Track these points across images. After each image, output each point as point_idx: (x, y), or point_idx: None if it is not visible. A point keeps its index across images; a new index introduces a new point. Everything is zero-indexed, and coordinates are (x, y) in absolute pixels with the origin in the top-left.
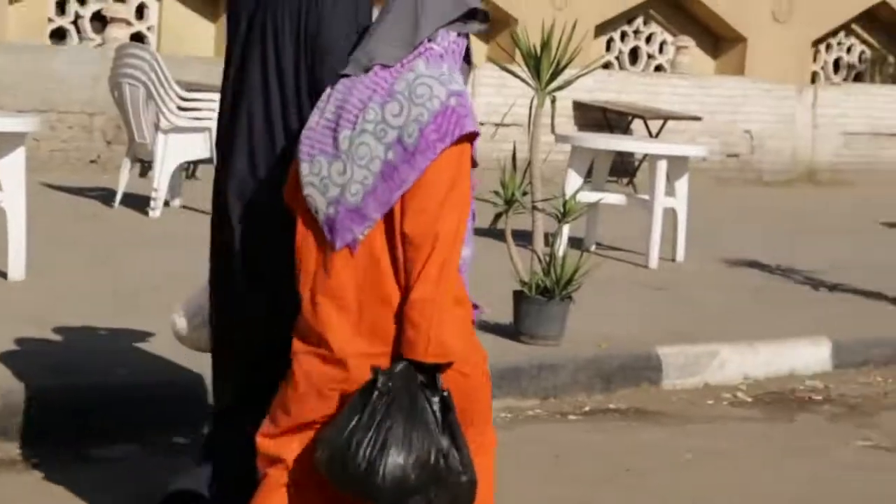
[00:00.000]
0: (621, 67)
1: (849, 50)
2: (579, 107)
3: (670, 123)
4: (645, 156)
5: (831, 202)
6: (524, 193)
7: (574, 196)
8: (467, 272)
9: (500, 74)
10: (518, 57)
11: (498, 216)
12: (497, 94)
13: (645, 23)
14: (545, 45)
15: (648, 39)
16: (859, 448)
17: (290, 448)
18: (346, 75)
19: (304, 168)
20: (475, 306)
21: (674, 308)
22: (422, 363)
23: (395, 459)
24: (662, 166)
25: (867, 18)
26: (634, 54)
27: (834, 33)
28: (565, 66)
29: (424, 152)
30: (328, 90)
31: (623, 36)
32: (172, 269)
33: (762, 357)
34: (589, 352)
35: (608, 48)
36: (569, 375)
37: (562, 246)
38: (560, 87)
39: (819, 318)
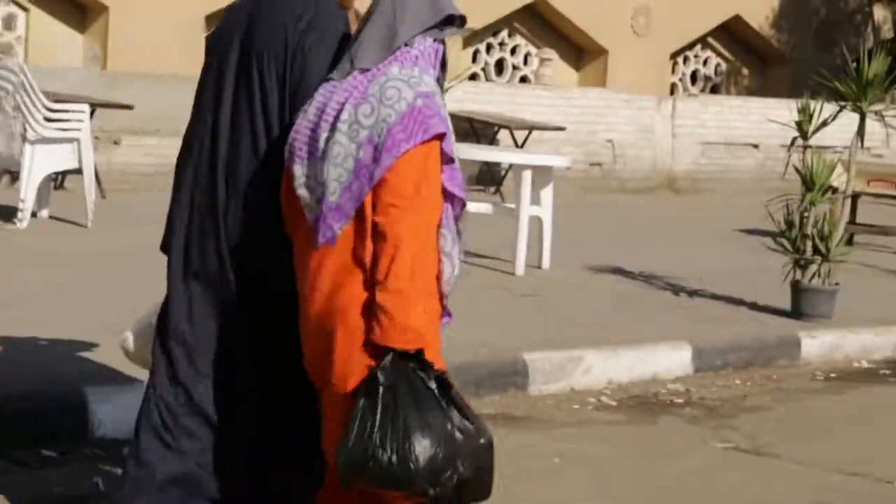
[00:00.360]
0: (487, 79)
1: (705, 62)
2: None
3: (535, 133)
4: (511, 165)
5: (690, 210)
6: None
7: None
8: (454, 271)
9: None
10: None
11: None
12: None
13: (510, 35)
14: None
15: (513, 51)
16: (719, 449)
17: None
18: (331, 79)
19: (297, 170)
20: (448, 314)
21: (540, 314)
22: (405, 352)
23: (423, 442)
24: (528, 176)
25: (722, 32)
26: (500, 66)
27: (691, 46)
28: None
29: (391, 150)
30: (307, 101)
31: (489, 48)
32: (40, 280)
33: (625, 362)
34: (457, 359)
35: (474, 60)
36: None
37: None
38: None
39: (680, 323)
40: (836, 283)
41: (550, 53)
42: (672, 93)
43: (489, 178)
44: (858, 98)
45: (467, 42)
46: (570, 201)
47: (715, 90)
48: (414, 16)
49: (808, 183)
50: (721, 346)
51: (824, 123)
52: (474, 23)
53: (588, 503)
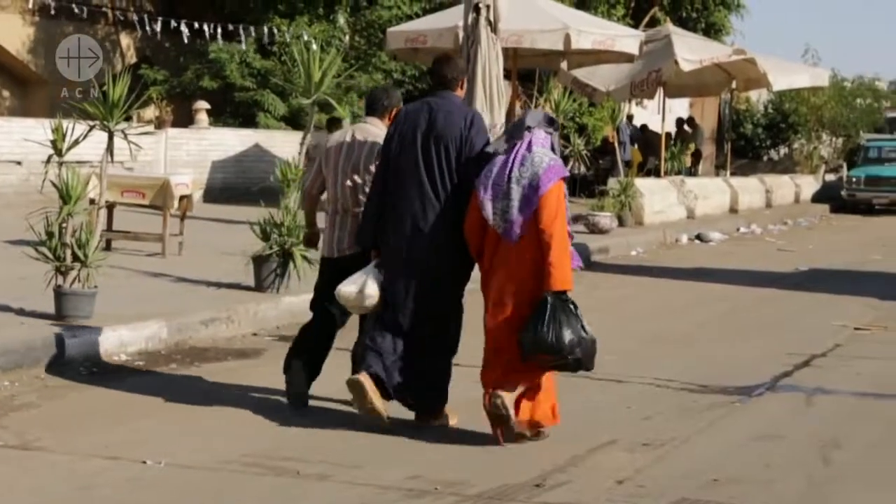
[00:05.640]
0: None
1: None
2: None
3: None
4: None
5: None
6: None
7: None
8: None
9: None
10: None
11: None
12: None
13: None
14: None
15: None
16: None
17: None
18: (493, 155)
19: (486, 205)
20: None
21: None
22: (559, 291)
23: (568, 332)
24: None
25: None
26: None
27: None
28: None
29: (542, 188)
30: (488, 165)
31: None
32: None
33: None
34: None
35: None
36: None
37: None
38: None
39: None
40: (95, 286)
41: None
42: None
43: None
44: (106, 118)
45: None
46: None
47: None
48: (533, 118)
49: (64, 196)
50: None
51: (76, 142)
52: None
53: None
